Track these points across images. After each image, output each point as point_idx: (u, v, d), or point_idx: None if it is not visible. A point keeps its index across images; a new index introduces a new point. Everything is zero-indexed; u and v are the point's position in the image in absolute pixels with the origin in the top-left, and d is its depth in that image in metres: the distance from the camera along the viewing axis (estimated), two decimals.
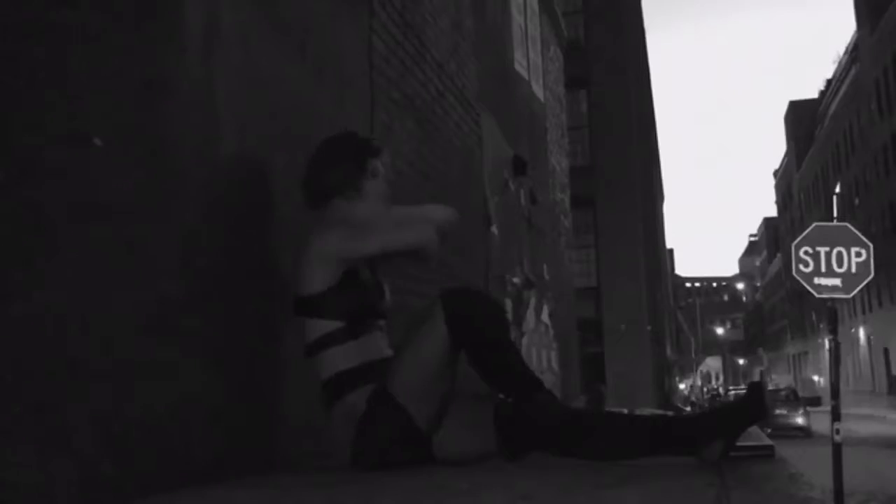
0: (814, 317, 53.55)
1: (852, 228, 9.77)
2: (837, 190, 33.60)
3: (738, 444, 2.21)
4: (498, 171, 6.10)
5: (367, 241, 2.39)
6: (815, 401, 31.60)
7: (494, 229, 5.82)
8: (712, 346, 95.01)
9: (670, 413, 2.42)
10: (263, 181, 2.66)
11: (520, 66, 7.27)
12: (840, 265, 9.36)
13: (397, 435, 2.28)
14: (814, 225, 9.75)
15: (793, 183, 69.02)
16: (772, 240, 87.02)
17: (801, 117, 67.07)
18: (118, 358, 1.89)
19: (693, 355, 68.55)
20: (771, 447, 2.24)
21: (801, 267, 9.46)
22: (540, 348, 7.11)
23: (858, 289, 9.53)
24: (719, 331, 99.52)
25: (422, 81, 4.36)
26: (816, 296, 9.33)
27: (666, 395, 28.27)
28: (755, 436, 2.31)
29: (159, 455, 2.01)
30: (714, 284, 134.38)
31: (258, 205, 2.63)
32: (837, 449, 8.54)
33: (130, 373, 1.93)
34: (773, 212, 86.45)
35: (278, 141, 2.75)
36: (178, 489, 2.01)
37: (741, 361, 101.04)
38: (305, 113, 2.95)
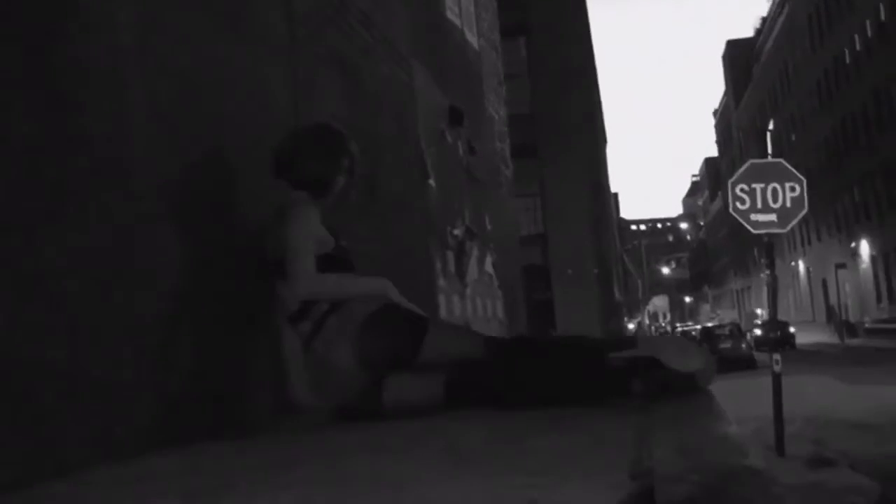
0: (755, 253, 54.87)
1: (786, 164, 9.95)
2: (771, 127, 34.21)
3: (662, 377, 2.26)
4: (433, 123, 6.03)
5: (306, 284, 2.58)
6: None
7: (432, 182, 5.78)
8: (659, 285, 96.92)
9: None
10: (168, 143, 2.56)
11: (451, 14, 7.17)
12: (775, 201, 9.55)
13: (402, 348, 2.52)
14: (749, 162, 9.91)
15: (732, 122, 70.05)
16: (713, 179, 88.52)
17: (737, 56, 67.83)
18: None
19: (640, 295, 69.88)
20: (692, 376, 2.28)
21: (738, 204, 9.64)
22: (485, 298, 7.14)
23: (793, 223, 9.76)
24: (665, 270, 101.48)
25: (346, 33, 4.26)
26: (753, 231, 9.52)
27: (609, 335, 28.79)
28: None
29: None
30: (659, 225, 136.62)
31: (154, 167, 2.54)
32: (777, 378, 8.82)
33: None
34: (714, 151, 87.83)
35: (185, 100, 2.65)
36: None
37: (687, 299, 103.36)
38: (216, 70, 2.85)
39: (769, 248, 9.79)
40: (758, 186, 9.34)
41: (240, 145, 2.91)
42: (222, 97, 2.81)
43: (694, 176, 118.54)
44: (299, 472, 1.67)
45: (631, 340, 2.52)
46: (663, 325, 71.54)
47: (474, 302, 6.73)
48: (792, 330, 31.34)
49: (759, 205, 9.32)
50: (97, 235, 2.14)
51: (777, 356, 9.02)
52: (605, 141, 57.57)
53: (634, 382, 2.22)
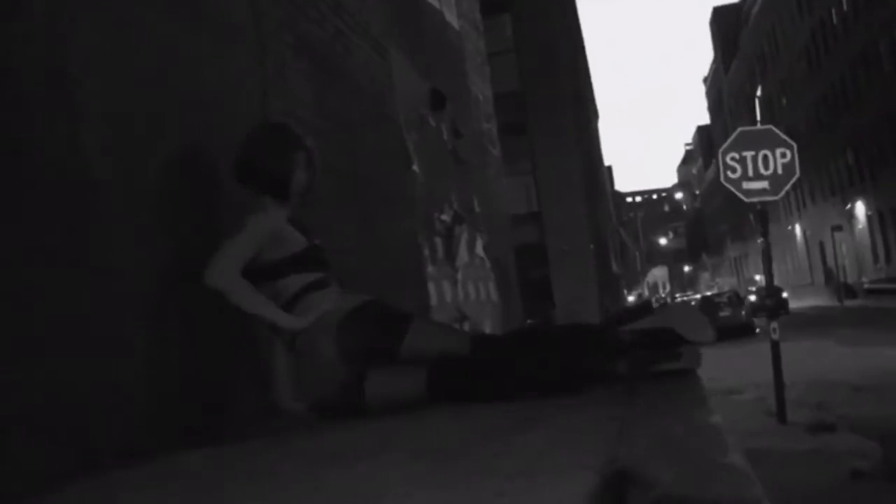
0: (751, 219, 54.81)
1: (776, 130, 9.84)
2: (759, 93, 33.94)
3: (649, 357, 2.21)
4: (414, 108, 5.94)
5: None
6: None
7: (416, 168, 5.70)
8: (657, 256, 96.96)
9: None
10: (127, 143, 2.48)
11: None
12: (766, 167, 9.47)
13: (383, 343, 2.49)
14: (738, 130, 9.80)
15: (722, 89, 69.78)
16: (706, 147, 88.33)
17: (725, 22, 67.42)
18: None
19: (639, 267, 69.91)
20: (678, 353, 2.23)
21: (729, 173, 9.55)
22: (477, 281, 7.08)
23: (786, 189, 9.67)
24: (662, 241, 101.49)
25: (317, 20, 4.16)
26: (746, 200, 9.45)
27: (609, 309, 28.80)
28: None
29: None
30: (654, 196, 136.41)
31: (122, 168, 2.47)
32: (776, 346, 8.80)
33: None
34: (706, 119, 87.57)
35: (141, 95, 2.56)
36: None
37: (686, 269, 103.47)
38: (180, 63, 2.76)
39: (763, 216, 9.71)
40: (748, 154, 9.26)
41: (204, 141, 2.83)
42: (180, 90, 2.72)
43: (687, 144, 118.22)
44: (276, 482, 1.62)
45: (647, 307, 2.47)
46: (663, 295, 71.59)
47: (466, 286, 6.67)
48: (785, 295, 31.24)
49: (751, 173, 9.24)
50: (66, 235, 2.07)
51: (774, 324, 8.99)
52: (596, 115, 57.34)
53: (621, 363, 2.17)
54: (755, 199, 9.47)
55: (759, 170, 9.32)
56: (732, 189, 9.41)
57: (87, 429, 2.07)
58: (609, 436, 1.52)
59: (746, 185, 9.35)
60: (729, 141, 9.47)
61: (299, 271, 2.61)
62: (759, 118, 27.15)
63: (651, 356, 2.21)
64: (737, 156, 9.28)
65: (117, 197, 2.35)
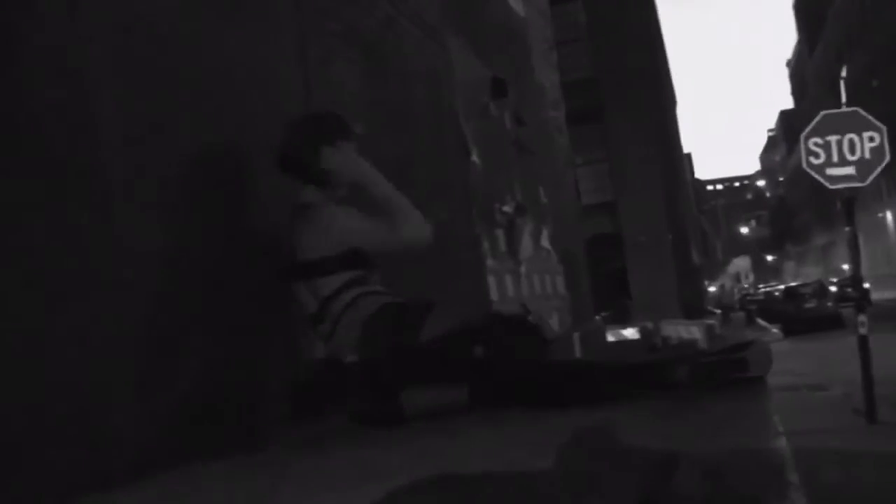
0: (839, 206, 52.73)
1: (863, 112, 9.26)
2: (844, 74, 32.36)
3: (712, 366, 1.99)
4: (473, 96, 5.76)
5: (355, 236, 2.55)
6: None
7: (475, 158, 5.51)
8: (739, 245, 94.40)
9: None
10: (162, 136, 2.38)
11: None
12: (853, 153, 8.91)
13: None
14: (821, 114, 9.27)
15: (806, 71, 67.31)
16: (790, 132, 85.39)
17: (809, 3, 64.99)
18: None
19: (720, 257, 68.16)
20: (742, 359, 1.98)
21: (812, 159, 9.01)
22: (542, 274, 6.86)
23: (874, 175, 9.11)
24: (744, 230, 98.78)
25: (366, 7, 4.01)
26: (830, 187, 8.92)
27: (689, 301, 28.03)
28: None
29: None
30: (736, 184, 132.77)
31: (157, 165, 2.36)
32: (864, 341, 8.30)
33: None
34: (789, 103, 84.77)
35: (182, 95, 2.46)
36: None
37: (770, 258, 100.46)
38: (215, 53, 2.65)
39: (849, 204, 9.18)
40: (832, 139, 8.71)
41: (243, 135, 2.72)
42: (214, 82, 2.61)
43: (770, 130, 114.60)
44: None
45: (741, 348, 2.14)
46: (746, 286, 69.53)
47: (531, 280, 6.46)
48: (866, 286, 29.72)
49: (836, 158, 8.69)
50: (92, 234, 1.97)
51: (862, 317, 8.48)
52: (674, 101, 56.01)
53: (682, 371, 1.96)
54: (840, 186, 8.94)
55: (845, 155, 8.77)
56: (815, 175, 8.90)
57: (105, 433, 1.98)
58: (653, 460, 1.33)
59: (830, 171, 8.82)
60: (812, 125, 8.94)
61: (343, 270, 2.54)
62: (844, 100, 25.90)
63: (714, 363, 1.98)
64: (820, 140, 8.75)
65: (143, 193, 2.26)
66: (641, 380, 2.09)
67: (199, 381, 2.36)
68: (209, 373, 2.40)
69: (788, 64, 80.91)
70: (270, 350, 2.75)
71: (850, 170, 8.89)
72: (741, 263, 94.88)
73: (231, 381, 2.50)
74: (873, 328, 8.74)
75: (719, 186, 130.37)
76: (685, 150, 71.76)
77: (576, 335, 7.28)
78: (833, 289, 30.92)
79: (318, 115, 2.85)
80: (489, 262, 5.47)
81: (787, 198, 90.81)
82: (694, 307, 30.12)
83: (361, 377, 2.37)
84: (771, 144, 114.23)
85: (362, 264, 2.60)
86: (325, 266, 2.52)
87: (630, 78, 24.92)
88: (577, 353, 7.04)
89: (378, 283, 2.64)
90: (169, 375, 2.24)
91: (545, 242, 6.98)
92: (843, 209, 8.74)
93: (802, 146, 9.04)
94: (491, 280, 5.43)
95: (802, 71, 70.13)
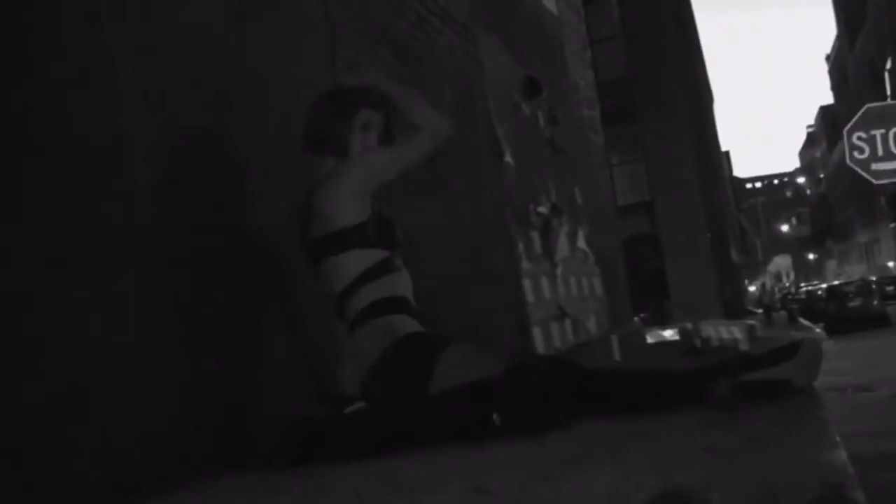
0: (882, 202, 51.64)
1: None
2: (889, 66, 31.54)
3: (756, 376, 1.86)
4: (506, 96, 5.67)
5: (388, 164, 2.40)
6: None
7: (508, 158, 5.42)
8: (779, 244, 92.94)
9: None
10: (181, 136, 2.33)
11: None
12: None
13: (412, 383, 2.13)
14: (865, 107, 9.06)
15: (846, 65, 65.99)
16: (830, 128, 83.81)
17: None
18: None
19: (760, 256, 67.15)
20: (786, 383, 1.83)
21: (856, 154, 8.82)
22: (579, 276, 6.74)
23: None
24: (784, 228, 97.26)
25: (395, 7, 3.95)
26: (875, 182, 8.72)
27: (729, 301, 27.56)
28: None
29: None
30: (776, 182, 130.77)
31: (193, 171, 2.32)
32: None
33: None
34: (829, 99, 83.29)
35: (205, 94, 2.41)
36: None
37: (811, 256, 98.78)
38: (240, 52, 2.60)
39: (894, 199, 8.95)
40: (877, 132, 8.52)
41: (265, 136, 2.67)
42: (240, 81, 2.56)
43: (809, 126, 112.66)
44: None
45: (789, 350, 1.90)
46: (786, 284, 68.38)
47: (567, 282, 6.35)
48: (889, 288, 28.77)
49: (881, 152, 8.50)
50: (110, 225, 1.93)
51: None
52: (711, 99, 55.29)
53: (715, 385, 1.84)
54: (886, 181, 8.73)
55: (891, 149, 8.56)
56: (859, 171, 8.72)
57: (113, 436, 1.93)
58: (697, 470, 1.23)
59: (875, 167, 8.62)
60: (855, 119, 8.75)
61: (363, 245, 2.31)
62: (889, 93, 25.29)
63: (758, 379, 1.85)
64: (864, 135, 8.57)
65: (167, 192, 2.21)
66: (676, 392, 1.97)
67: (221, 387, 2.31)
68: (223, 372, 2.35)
69: (828, 59, 79.47)
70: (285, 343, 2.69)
71: (895, 164, 8.68)
72: (782, 262, 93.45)
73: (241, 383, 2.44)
74: None
75: (758, 184, 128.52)
76: (723, 147, 70.79)
77: (613, 337, 7.15)
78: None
79: (327, 91, 2.62)
80: (524, 264, 5.38)
81: (828, 194, 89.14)
82: (734, 307, 29.68)
83: (357, 431, 2.10)
84: (810, 141, 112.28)
85: (386, 240, 2.37)
86: (345, 239, 2.29)
87: (665, 76, 24.63)
88: (616, 355, 6.92)
89: (401, 265, 2.41)
90: (193, 380, 2.19)
91: (581, 243, 6.86)
92: (887, 205, 8.47)
93: (846, 141, 8.84)
94: (526, 282, 5.34)
95: (842, 65, 68.81)
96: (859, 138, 8.69)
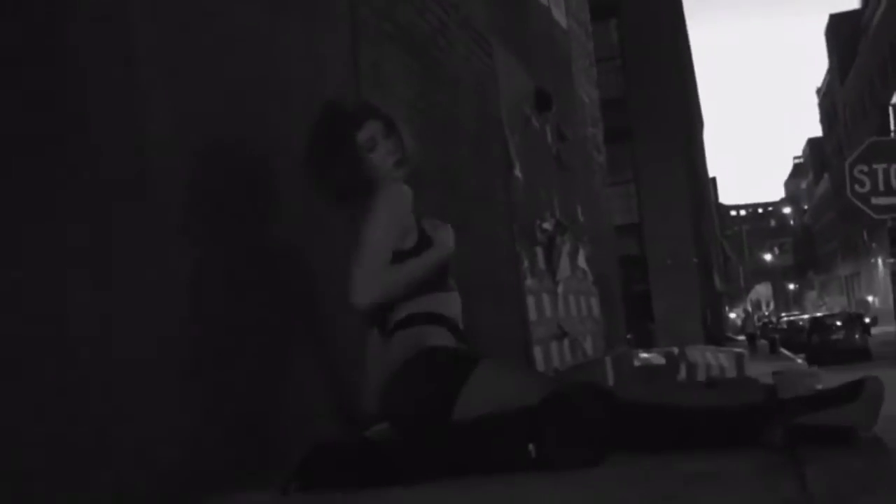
0: (865, 236, 51.94)
1: None
2: (894, 100, 31.53)
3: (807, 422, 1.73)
4: (518, 108, 5.57)
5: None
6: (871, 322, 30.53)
7: (518, 172, 5.32)
8: (761, 273, 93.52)
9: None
10: (202, 139, 2.20)
11: None
12: None
13: (435, 399, 2.01)
14: (869, 141, 9.02)
15: (837, 100, 66.61)
16: (818, 160, 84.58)
17: (842, 30, 64.36)
18: None
19: (741, 283, 67.45)
20: (848, 429, 1.71)
21: (857, 187, 8.78)
22: (578, 295, 6.63)
23: None
24: (767, 257, 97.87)
25: (418, 10, 3.84)
26: (874, 216, 8.67)
27: (710, 328, 27.54)
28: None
29: None
30: (760, 210, 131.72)
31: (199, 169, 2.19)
32: None
33: None
34: (817, 131, 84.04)
35: (226, 94, 2.28)
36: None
37: (791, 286, 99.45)
38: (263, 51, 2.48)
39: (893, 234, 8.92)
40: (879, 167, 8.49)
41: (288, 137, 2.54)
42: (261, 81, 2.44)
43: (796, 157, 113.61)
44: None
45: (851, 392, 1.75)
46: (766, 313, 68.61)
47: (567, 301, 6.24)
48: (867, 320, 28.54)
49: (882, 187, 8.47)
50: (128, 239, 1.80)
51: None
52: (701, 124, 55.60)
53: (774, 430, 1.71)
54: (886, 216, 8.69)
55: (891, 184, 8.53)
56: (860, 204, 8.67)
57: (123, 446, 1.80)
58: None
59: (876, 201, 8.59)
60: (858, 152, 8.72)
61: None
62: (893, 128, 25.26)
63: (816, 409, 1.73)
64: (866, 168, 8.53)
65: (187, 196, 2.08)
66: (727, 431, 1.83)
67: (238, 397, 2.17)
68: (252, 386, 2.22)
69: (818, 91, 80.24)
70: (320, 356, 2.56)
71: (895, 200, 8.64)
72: (762, 290, 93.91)
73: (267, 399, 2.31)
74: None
75: (742, 212, 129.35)
76: (710, 173, 71.12)
77: (608, 359, 7.05)
78: (839, 323, 29.78)
79: (322, 110, 2.34)
80: (528, 281, 5.26)
81: (812, 226, 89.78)
82: (715, 334, 29.67)
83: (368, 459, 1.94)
84: (797, 171, 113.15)
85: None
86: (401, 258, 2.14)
87: (659, 99, 24.69)
88: (609, 378, 6.80)
89: (453, 286, 2.29)
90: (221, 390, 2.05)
91: (582, 262, 6.76)
92: (870, 239, 8.40)
93: (847, 173, 8.78)
94: (530, 299, 5.22)
95: (832, 99, 69.47)
96: (861, 171, 8.66)
